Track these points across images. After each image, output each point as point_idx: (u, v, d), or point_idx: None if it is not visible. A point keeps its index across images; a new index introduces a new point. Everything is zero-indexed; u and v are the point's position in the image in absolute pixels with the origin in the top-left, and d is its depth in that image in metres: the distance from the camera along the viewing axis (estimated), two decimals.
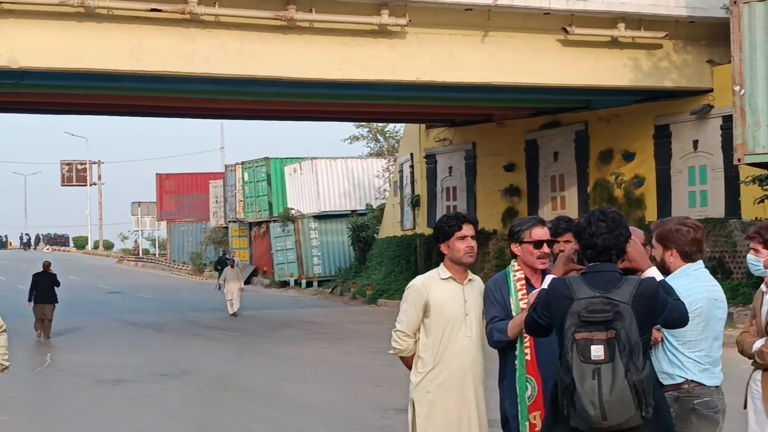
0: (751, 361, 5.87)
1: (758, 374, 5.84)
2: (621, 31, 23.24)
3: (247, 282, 41.45)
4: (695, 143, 25.46)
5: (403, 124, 39.33)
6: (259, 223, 48.80)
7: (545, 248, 5.78)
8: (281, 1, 20.33)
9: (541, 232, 5.78)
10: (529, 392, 5.61)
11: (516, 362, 5.66)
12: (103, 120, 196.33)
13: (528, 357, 5.62)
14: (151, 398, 13.86)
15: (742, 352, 5.95)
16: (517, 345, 5.65)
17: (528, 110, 29.94)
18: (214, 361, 18.38)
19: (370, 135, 49.50)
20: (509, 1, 21.79)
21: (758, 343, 5.78)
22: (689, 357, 5.42)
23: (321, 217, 44.01)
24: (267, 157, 48.32)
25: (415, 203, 35.57)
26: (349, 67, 21.44)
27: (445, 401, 5.86)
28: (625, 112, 27.27)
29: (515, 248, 5.83)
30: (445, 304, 5.89)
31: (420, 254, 33.12)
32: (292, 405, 12.97)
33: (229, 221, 52.87)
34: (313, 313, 30.42)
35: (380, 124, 47.55)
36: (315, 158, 45.28)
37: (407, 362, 6.04)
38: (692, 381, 5.40)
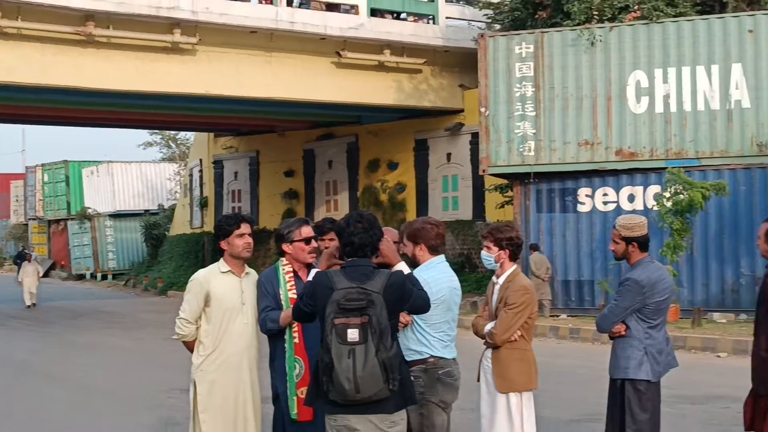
0: (484, 341, 6.19)
1: (489, 352, 6.15)
2: (387, 57, 23.80)
3: (46, 275, 39.97)
4: (448, 156, 26.32)
5: (194, 133, 38.82)
6: (57, 221, 47.38)
7: (314, 243, 5.94)
8: (81, 18, 19.72)
9: (309, 230, 5.94)
10: (297, 371, 5.71)
11: (285, 345, 5.76)
12: None
13: (296, 340, 5.73)
14: None
15: (476, 333, 6.23)
16: (287, 330, 5.76)
17: (306, 123, 30.15)
18: (13, 348, 17.61)
19: (163, 142, 48.94)
20: (290, 26, 21.94)
21: (489, 326, 6.09)
22: (434, 336, 5.75)
23: (116, 215, 43.24)
24: (66, 160, 47.15)
25: (203, 204, 35.21)
26: (143, 80, 21.03)
27: (223, 381, 5.91)
28: (390, 127, 27.88)
29: (287, 248, 5.92)
30: (224, 294, 5.94)
31: (207, 250, 32.78)
32: (88, 389, 12.65)
33: (29, 219, 50.92)
34: (108, 304, 29.57)
35: (172, 132, 46.95)
36: (111, 162, 44.50)
37: (189, 346, 6.05)
38: (436, 356, 5.73)
